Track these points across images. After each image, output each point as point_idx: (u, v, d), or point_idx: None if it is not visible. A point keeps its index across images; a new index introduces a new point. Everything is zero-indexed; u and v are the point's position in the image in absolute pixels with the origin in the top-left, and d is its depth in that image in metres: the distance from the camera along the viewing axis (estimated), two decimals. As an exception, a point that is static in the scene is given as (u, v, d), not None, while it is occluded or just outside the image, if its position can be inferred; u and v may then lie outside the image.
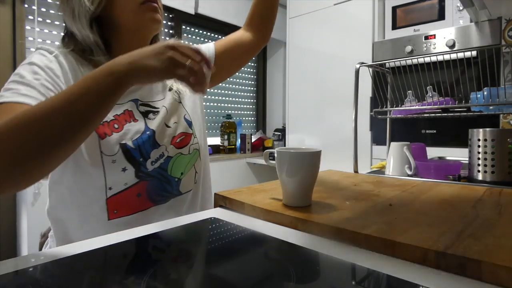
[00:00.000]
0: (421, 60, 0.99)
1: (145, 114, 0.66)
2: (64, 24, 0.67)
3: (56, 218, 0.64)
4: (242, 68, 2.93)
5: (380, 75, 1.13)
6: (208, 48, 0.80)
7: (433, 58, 1.21)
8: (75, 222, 0.62)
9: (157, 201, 0.64)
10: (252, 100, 3.06)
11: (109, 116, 0.61)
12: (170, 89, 0.73)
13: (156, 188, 0.64)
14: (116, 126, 0.61)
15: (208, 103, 2.65)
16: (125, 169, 0.60)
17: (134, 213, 0.62)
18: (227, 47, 0.81)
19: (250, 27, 0.84)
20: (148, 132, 0.64)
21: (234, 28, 2.72)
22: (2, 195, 0.48)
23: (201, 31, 2.65)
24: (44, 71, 0.56)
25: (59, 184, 0.62)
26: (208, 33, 2.71)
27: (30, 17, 1.72)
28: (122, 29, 0.64)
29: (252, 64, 3.05)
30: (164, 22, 2.31)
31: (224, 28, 2.69)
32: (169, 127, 0.68)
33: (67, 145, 0.44)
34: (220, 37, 2.76)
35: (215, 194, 0.64)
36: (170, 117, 0.69)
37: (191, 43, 0.50)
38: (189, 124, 0.72)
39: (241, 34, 0.84)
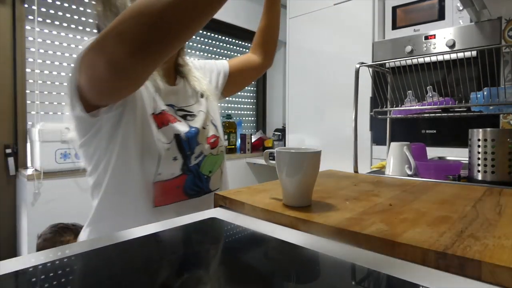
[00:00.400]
0: (421, 60, 0.99)
1: (183, 117, 0.73)
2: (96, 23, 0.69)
3: (104, 205, 0.67)
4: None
5: (380, 75, 1.13)
6: (223, 64, 0.91)
7: (433, 58, 1.21)
8: (123, 209, 0.65)
9: (190, 195, 0.70)
10: (252, 100, 3.06)
11: (158, 109, 0.66)
12: (202, 96, 0.79)
13: (191, 183, 0.70)
14: (169, 119, 0.68)
15: (208, 103, 2.65)
16: (175, 159, 0.66)
17: (172, 203, 0.67)
18: (238, 66, 0.92)
19: (255, 51, 0.96)
20: (193, 129, 0.71)
21: (244, 31, 2.76)
22: (120, 93, 0.51)
23: (211, 34, 2.68)
24: None
25: (112, 170, 0.64)
26: (218, 36, 2.74)
27: (30, 17, 1.72)
28: None
29: (252, 64, 3.05)
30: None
31: (234, 31, 2.72)
32: (204, 128, 0.75)
33: (181, 35, 0.44)
34: (229, 39, 2.83)
35: (215, 194, 0.64)
36: (205, 120, 0.76)
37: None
38: (216, 127, 0.79)
39: (248, 56, 0.96)
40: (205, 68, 0.88)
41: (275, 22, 0.95)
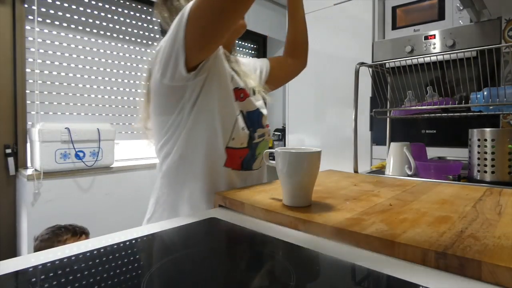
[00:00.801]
0: (421, 60, 0.99)
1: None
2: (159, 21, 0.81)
3: (178, 169, 0.74)
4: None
5: (380, 75, 1.13)
6: (265, 62, 0.98)
7: (433, 58, 1.21)
8: (198, 167, 0.72)
9: (244, 168, 0.78)
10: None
11: (239, 86, 0.77)
12: (254, 92, 0.85)
13: (248, 158, 0.78)
14: (241, 95, 0.77)
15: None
16: (243, 129, 0.74)
17: (234, 169, 0.75)
18: (277, 64, 0.99)
19: (288, 54, 1.01)
20: (257, 111, 0.80)
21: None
22: (222, 30, 0.60)
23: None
24: None
25: (196, 129, 0.71)
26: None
27: (30, 17, 1.72)
28: None
29: (252, 64, 3.05)
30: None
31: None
32: (265, 117, 0.85)
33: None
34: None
35: (215, 194, 0.65)
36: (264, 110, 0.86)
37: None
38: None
39: (286, 61, 1.01)
40: (249, 65, 0.93)
41: (301, 28, 0.99)
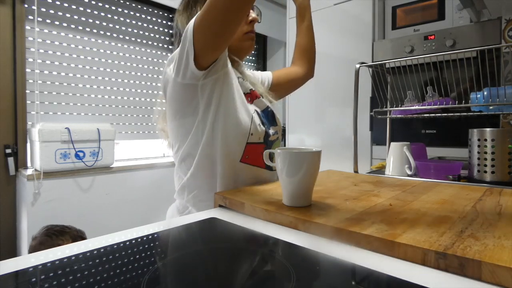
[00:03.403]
0: (421, 60, 0.99)
1: None
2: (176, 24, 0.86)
3: (202, 166, 0.76)
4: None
5: (380, 75, 1.13)
6: (268, 75, 1.03)
7: (433, 58, 1.21)
8: (218, 163, 0.75)
9: (266, 166, 0.79)
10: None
11: (248, 89, 0.83)
12: (261, 95, 0.89)
13: None
14: (249, 99, 0.82)
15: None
16: (260, 125, 0.78)
17: (254, 165, 0.78)
18: (280, 78, 1.04)
19: (296, 64, 1.07)
20: (269, 109, 0.85)
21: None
22: (230, 27, 0.65)
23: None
24: None
25: (216, 129, 0.74)
26: None
27: (30, 17, 1.72)
28: (230, 47, 0.81)
29: (253, 64, 3.05)
30: (164, 22, 2.32)
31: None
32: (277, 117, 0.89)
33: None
34: None
35: (215, 194, 0.65)
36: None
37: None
38: None
39: (291, 69, 1.07)
40: (254, 76, 0.98)
41: (307, 38, 1.05)
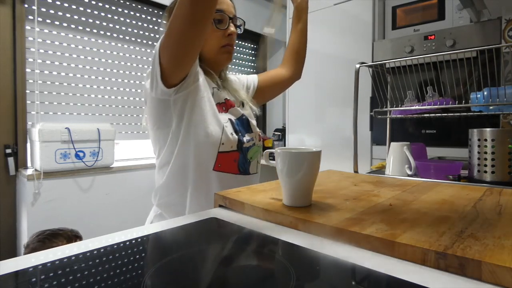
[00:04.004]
0: (421, 60, 0.99)
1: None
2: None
3: (173, 176, 0.80)
4: (242, 68, 2.94)
5: (380, 75, 1.13)
6: (253, 78, 1.04)
7: (433, 58, 1.21)
8: (191, 172, 0.78)
9: (240, 171, 0.84)
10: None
11: (222, 99, 0.85)
12: (243, 104, 0.93)
13: (241, 162, 0.84)
14: (224, 108, 0.85)
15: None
16: (232, 134, 0.80)
17: (227, 172, 0.81)
18: (266, 81, 1.05)
19: (284, 65, 1.07)
20: (244, 117, 0.87)
21: (244, 31, 2.75)
22: (193, 45, 0.68)
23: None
24: None
25: (188, 140, 0.78)
26: None
27: (30, 17, 1.72)
28: (207, 57, 0.85)
29: (252, 64, 3.05)
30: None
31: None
32: (253, 122, 0.90)
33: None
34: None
35: (215, 194, 0.64)
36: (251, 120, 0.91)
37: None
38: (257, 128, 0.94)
39: (277, 71, 1.07)
40: (239, 81, 1.01)
41: (300, 39, 1.05)
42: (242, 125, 0.86)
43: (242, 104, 0.93)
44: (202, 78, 0.79)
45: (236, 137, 0.81)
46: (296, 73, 1.09)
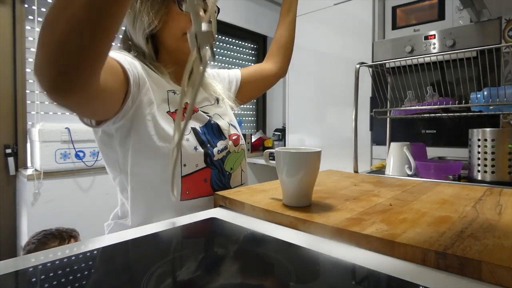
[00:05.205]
0: (421, 60, 0.99)
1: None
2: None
3: (137, 200, 0.68)
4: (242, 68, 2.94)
5: (380, 75, 1.13)
6: (235, 73, 0.94)
7: (433, 58, 1.21)
8: (151, 203, 0.67)
9: (216, 189, 0.71)
10: (252, 100, 3.06)
11: (176, 107, 0.70)
12: (218, 100, 0.81)
13: (216, 178, 0.71)
14: (185, 115, 0.67)
15: (208, 103, 2.65)
16: (196, 148, 0.67)
17: (200, 197, 0.68)
18: (250, 75, 0.95)
19: (270, 60, 0.98)
20: (212, 122, 0.74)
21: (243, 31, 2.77)
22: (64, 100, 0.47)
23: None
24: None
25: (140, 168, 0.66)
26: (217, 36, 2.75)
27: (30, 17, 1.72)
28: (168, 48, 0.74)
29: (252, 64, 3.05)
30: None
31: (233, 31, 2.74)
32: (223, 126, 0.77)
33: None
34: (229, 39, 2.83)
35: (215, 194, 0.64)
36: (223, 121, 0.79)
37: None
38: (235, 127, 0.82)
39: (262, 66, 0.98)
40: (218, 76, 0.91)
41: (289, 32, 0.98)
42: (211, 132, 0.72)
43: (217, 101, 0.81)
44: (147, 86, 0.64)
45: (202, 151, 0.68)
46: (282, 69, 1.00)
